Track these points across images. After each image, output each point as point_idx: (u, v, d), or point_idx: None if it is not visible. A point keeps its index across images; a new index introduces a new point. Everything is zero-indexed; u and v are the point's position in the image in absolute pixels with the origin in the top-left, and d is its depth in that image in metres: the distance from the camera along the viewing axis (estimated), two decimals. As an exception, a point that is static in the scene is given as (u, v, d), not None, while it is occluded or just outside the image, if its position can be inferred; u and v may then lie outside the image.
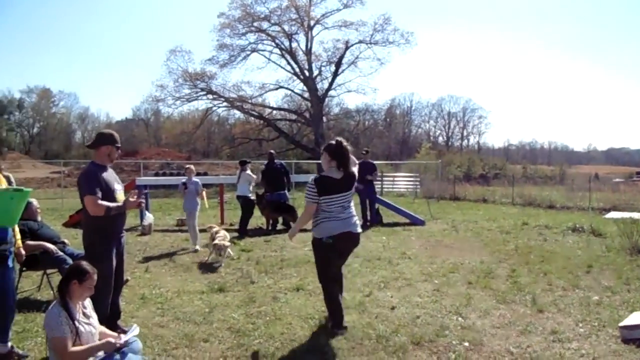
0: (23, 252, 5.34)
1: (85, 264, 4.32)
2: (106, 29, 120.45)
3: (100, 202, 5.09)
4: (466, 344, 5.34)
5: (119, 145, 5.58)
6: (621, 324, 5.62)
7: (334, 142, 5.76)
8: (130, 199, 5.36)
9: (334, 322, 5.78)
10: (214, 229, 10.22)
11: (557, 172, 52.18)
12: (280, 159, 17.10)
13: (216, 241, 9.41)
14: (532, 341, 5.40)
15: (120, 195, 5.47)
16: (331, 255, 5.72)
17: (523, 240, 12.01)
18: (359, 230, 5.81)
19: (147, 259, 9.94)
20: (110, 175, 5.45)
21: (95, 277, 4.35)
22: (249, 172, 13.55)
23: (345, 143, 5.72)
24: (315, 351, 5.17)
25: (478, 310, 6.51)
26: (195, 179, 11.53)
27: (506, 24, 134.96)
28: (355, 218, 5.80)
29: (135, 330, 4.45)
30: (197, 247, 10.86)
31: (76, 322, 4.09)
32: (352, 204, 5.83)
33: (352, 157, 5.88)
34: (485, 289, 7.53)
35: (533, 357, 4.94)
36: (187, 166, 11.97)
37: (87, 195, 5.09)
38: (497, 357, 4.99)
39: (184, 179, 11.71)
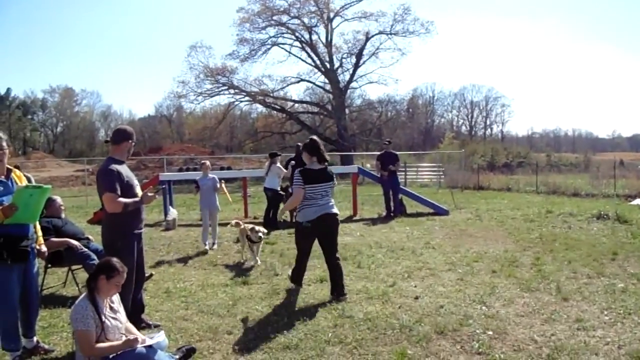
0: (45, 249, 5.41)
1: (115, 261, 4.40)
2: (126, 26, 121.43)
3: (118, 199, 5.14)
4: (490, 332, 5.33)
5: (135, 141, 5.64)
6: (647, 310, 5.58)
7: (309, 140, 7.08)
8: (149, 194, 5.43)
9: (295, 279, 7.35)
10: (245, 225, 9.45)
11: (581, 159, 51.54)
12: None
13: (258, 228, 8.99)
14: (557, 329, 5.38)
15: (139, 190, 5.54)
16: (308, 236, 6.90)
17: (547, 228, 11.92)
18: (335, 211, 6.93)
19: (171, 254, 10.06)
20: (128, 170, 5.50)
21: (125, 275, 4.42)
22: (279, 165, 13.55)
23: (318, 140, 7.08)
24: (339, 342, 5.20)
25: (502, 298, 6.49)
26: (211, 174, 11.13)
27: (527, 10, 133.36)
28: (332, 203, 6.96)
29: (160, 336, 4.48)
30: (216, 246, 10.55)
31: (102, 317, 4.17)
32: (330, 193, 6.98)
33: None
34: (510, 277, 7.50)
35: (557, 346, 4.91)
36: (202, 162, 11.64)
37: (106, 193, 5.14)
38: (521, 346, 4.97)
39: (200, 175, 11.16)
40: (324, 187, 6.79)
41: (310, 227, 6.72)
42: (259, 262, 8.83)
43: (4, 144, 4.62)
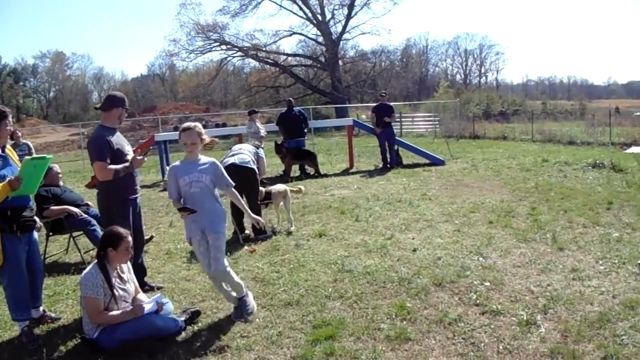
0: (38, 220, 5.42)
1: (116, 229, 4.47)
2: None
3: (108, 167, 5.16)
4: (487, 283, 5.42)
5: (128, 107, 5.61)
6: (641, 260, 5.64)
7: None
8: (137, 157, 5.42)
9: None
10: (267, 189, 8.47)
11: (577, 106, 51.42)
12: (299, 105, 17.00)
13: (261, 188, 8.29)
14: (553, 279, 5.46)
15: (131, 156, 5.52)
16: None
17: (543, 177, 11.94)
18: (238, 162, 7.83)
19: (170, 214, 10.10)
20: (120, 137, 5.50)
21: (130, 238, 4.48)
22: (257, 123, 13.76)
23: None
24: (339, 297, 5.28)
25: (499, 249, 6.57)
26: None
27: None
28: (242, 156, 7.98)
29: (152, 304, 4.54)
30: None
31: (112, 286, 4.26)
32: (245, 151, 8.12)
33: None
34: (506, 228, 7.57)
35: (553, 296, 4.99)
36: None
37: (96, 162, 5.18)
38: (518, 296, 5.05)
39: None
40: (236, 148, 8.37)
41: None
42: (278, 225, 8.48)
43: (10, 119, 4.65)
